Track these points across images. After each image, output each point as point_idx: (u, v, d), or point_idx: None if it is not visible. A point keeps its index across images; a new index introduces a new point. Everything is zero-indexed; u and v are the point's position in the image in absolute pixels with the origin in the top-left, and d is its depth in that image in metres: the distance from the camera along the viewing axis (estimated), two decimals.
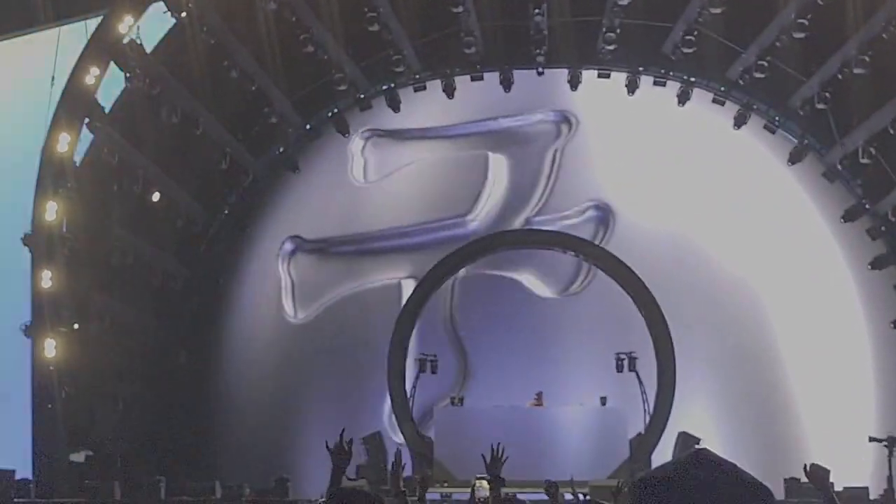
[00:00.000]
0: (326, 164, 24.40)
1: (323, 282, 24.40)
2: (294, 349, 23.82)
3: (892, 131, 20.65)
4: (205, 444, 22.98)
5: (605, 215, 24.03)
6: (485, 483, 14.35)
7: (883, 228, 22.63)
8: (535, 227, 24.15)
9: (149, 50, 20.06)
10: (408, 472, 21.05)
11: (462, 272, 23.90)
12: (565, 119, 24.23)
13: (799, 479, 19.14)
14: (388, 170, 24.54)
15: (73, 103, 19.20)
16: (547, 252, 23.84)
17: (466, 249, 23.47)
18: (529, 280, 24.37)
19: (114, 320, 21.18)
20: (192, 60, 20.62)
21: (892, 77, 20.56)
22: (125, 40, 19.34)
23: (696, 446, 1.96)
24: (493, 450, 6.50)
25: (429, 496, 19.47)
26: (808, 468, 6.13)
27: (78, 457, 20.33)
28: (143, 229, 21.82)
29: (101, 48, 19.27)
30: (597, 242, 23.82)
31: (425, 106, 24.09)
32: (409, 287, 24.12)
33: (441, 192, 24.50)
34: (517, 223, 24.29)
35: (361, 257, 24.31)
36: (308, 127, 24.12)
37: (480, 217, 24.43)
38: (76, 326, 20.00)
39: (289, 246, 24.56)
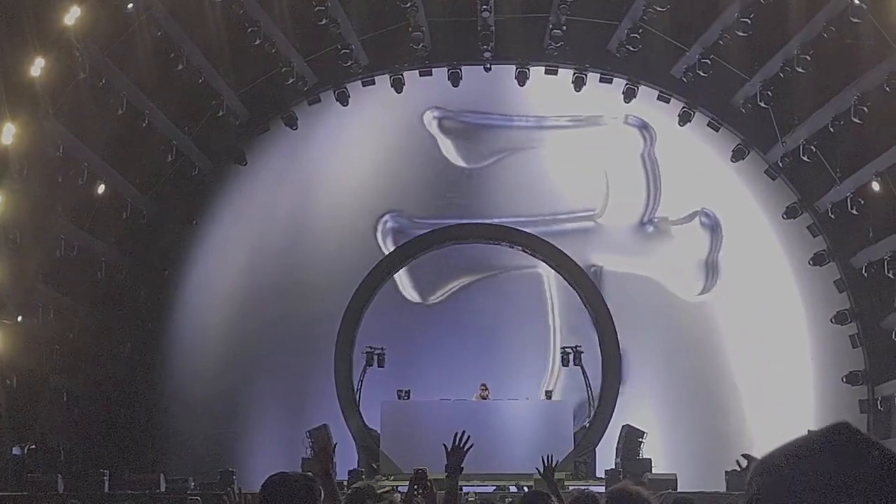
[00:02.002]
0: (274, 158, 24.35)
1: (448, 265, 24.24)
2: (241, 341, 23.74)
3: (832, 130, 21.00)
4: (149, 436, 22.88)
5: (713, 223, 24.03)
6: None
7: (823, 225, 23.00)
8: (484, 222, 24.23)
9: (95, 41, 19.89)
10: (353, 465, 21.18)
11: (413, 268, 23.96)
12: (644, 125, 24.25)
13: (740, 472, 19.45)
14: (485, 156, 24.47)
15: (18, 94, 19.01)
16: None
17: (416, 243, 23.57)
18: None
19: (58, 312, 21.01)
20: (138, 52, 20.50)
21: (832, 76, 20.89)
22: (71, 31, 19.17)
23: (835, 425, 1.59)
24: (455, 437, 6.01)
25: None
26: (747, 461, 6.23)
27: (20, 450, 20.17)
28: (88, 221, 21.66)
29: (47, 39, 19.09)
30: (711, 250, 23.82)
31: (374, 100, 24.10)
32: (550, 278, 24.07)
33: (552, 184, 24.38)
34: (644, 221, 24.26)
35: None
36: (255, 120, 24.07)
37: (607, 214, 24.36)
38: (20, 319, 19.84)
39: (391, 223, 24.43)
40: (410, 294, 24.42)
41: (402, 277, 24.40)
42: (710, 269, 23.94)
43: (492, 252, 24.18)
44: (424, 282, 24.36)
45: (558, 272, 23.68)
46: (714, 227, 24.00)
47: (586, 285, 23.34)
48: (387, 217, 24.48)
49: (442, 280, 24.40)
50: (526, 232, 23.84)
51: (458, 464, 5.99)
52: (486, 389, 22.05)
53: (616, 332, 22.92)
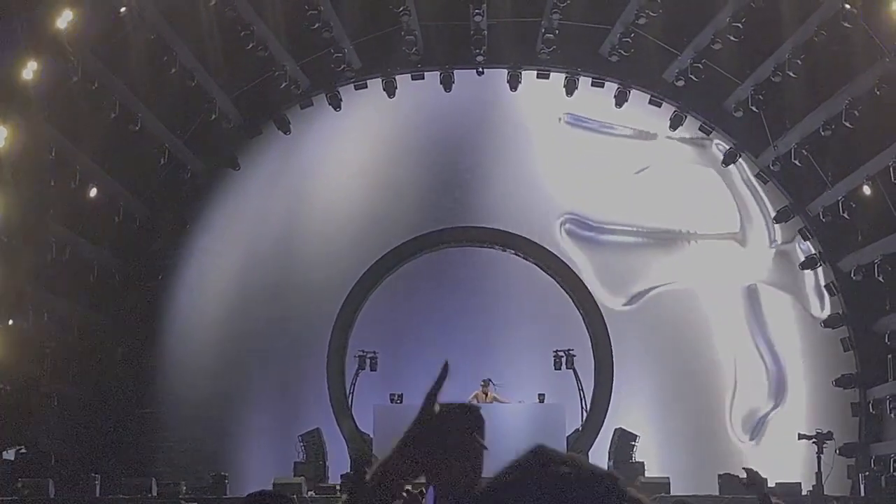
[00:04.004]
0: (267, 162, 24.32)
1: (627, 271, 24.10)
2: (234, 346, 23.69)
3: (823, 133, 21.09)
4: (141, 441, 22.79)
5: (807, 248, 23.81)
6: None
7: (814, 229, 23.05)
8: (477, 226, 24.21)
9: (88, 45, 19.88)
10: (345, 469, 21.15)
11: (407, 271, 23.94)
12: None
13: (735, 476, 19.45)
14: (632, 167, 24.33)
15: (10, 97, 18.98)
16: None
17: (409, 246, 23.55)
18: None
19: (50, 316, 20.94)
20: (131, 55, 20.50)
21: (824, 80, 21.00)
22: (63, 34, 19.15)
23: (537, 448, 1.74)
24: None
25: None
26: (747, 475, 6.31)
27: (10, 454, 20.10)
28: (80, 225, 21.61)
29: (40, 42, 19.07)
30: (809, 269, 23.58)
31: (366, 104, 24.10)
32: (704, 297, 23.71)
33: (679, 199, 24.12)
34: (771, 241, 24.05)
35: (651, 250, 24.11)
36: (248, 124, 24.05)
37: (749, 238, 24.11)
38: (10, 322, 19.78)
39: (569, 226, 24.36)
40: (610, 301, 24.15)
41: (596, 286, 24.06)
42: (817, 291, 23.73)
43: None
44: (616, 285, 24.18)
45: (550, 275, 23.67)
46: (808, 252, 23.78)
47: (579, 289, 23.34)
48: (562, 218, 24.35)
49: (634, 285, 24.24)
50: (518, 235, 23.78)
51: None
52: (488, 385, 21.71)
53: (608, 336, 22.93)
